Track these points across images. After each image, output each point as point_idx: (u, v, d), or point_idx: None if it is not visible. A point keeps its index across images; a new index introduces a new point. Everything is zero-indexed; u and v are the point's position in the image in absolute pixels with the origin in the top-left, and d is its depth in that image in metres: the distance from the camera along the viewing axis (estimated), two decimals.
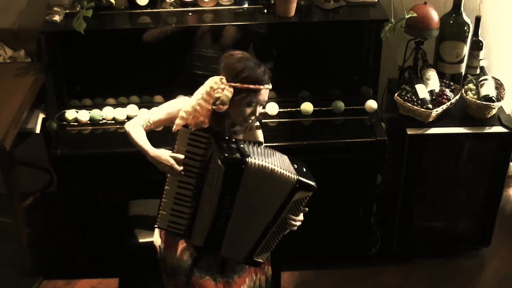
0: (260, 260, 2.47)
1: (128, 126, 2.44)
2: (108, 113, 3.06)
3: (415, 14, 2.90)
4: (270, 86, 2.30)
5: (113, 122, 3.06)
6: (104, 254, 3.22)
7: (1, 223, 3.02)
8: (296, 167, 2.33)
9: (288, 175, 2.28)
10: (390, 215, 3.29)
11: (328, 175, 3.19)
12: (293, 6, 2.99)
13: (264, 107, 2.35)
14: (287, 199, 2.31)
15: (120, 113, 3.06)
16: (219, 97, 2.24)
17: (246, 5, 3.12)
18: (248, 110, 2.30)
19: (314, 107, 3.09)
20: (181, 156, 2.32)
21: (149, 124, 2.44)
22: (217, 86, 2.25)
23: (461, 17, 3.10)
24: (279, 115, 3.09)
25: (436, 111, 2.96)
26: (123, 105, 3.11)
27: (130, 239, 2.74)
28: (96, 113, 3.06)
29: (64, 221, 3.30)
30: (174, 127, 2.33)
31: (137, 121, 2.45)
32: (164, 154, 2.34)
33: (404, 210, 3.18)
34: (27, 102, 2.90)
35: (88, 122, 3.06)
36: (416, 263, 3.31)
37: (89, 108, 3.10)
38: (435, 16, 3.03)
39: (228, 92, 2.25)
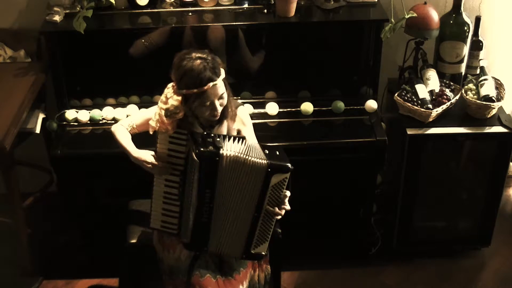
0: (259, 252, 2.47)
1: (113, 127, 2.55)
2: (108, 113, 3.06)
3: (415, 14, 2.90)
4: (216, 81, 2.28)
5: (113, 122, 3.05)
6: (104, 254, 3.21)
7: (1, 223, 3.02)
8: (267, 152, 2.36)
9: (259, 162, 2.31)
10: (390, 215, 3.29)
11: (328, 175, 3.21)
12: (293, 6, 2.99)
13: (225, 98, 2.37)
14: (264, 185, 2.33)
15: (120, 113, 3.06)
16: (168, 108, 2.31)
17: (246, 5, 3.12)
18: (205, 109, 2.33)
19: (314, 107, 3.09)
20: (163, 155, 2.39)
21: (133, 128, 2.55)
22: (169, 96, 2.32)
23: (461, 17, 3.10)
24: (279, 115, 3.09)
25: (436, 111, 2.96)
26: (123, 105, 3.11)
27: (130, 239, 2.74)
28: (96, 113, 3.06)
29: (64, 221, 3.30)
30: (150, 131, 2.43)
31: (122, 123, 2.56)
32: (145, 155, 2.42)
33: (404, 210, 3.18)
34: (27, 102, 2.90)
35: (88, 122, 3.06)
36: (416, 263, 3.31)
37: (89, 108, 3.10)
38: (435, 16, 3.03)
39: (174, 101, 2.31)
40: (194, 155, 2.29)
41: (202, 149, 2.29)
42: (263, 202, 2.36)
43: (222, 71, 2.33)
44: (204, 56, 2.29)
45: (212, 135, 2.35)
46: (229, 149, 2.32)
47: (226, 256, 2.49)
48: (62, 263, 3.28)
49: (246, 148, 2.34)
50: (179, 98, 2.30)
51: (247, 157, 2.31)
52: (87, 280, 3.21)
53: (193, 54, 2.29)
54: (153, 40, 2.99)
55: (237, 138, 2.40)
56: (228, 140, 2.36)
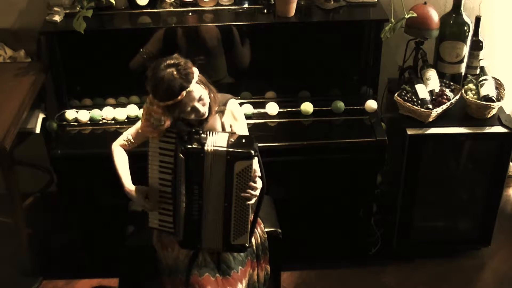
0: (241, 243, 2.46)
1: (113, 146, 2.55)
2: (108, 113, 3.07)
3: (415, 14, 2.89)
4: (188, 88, 2.26)
5: (113, 122, 3.06)
6: (104, 254, 3.22)
7: (1, 223, 3.03)
8: (232, 140, 2.36)
9: (220, 150, 2.32)
10: (390, 215, 3.29)
11: (328, 175, 3.21)
12: (293, 6, 2.99)
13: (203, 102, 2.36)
14: (228, 173, 2.33)
15: (120, 113, 3.07)
16: (153, 122, 2.32)
17: (246, 5, 3.12)
18: (187, 114, 2.34)
19: (314, 107, 3.09)
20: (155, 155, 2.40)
21: (131, 142, 2.55)
22: (151, 108, 2.32)
23: (461, 17, 3.10)
24: (279, 115, 3.09)
25: (436, 111, 2.96)
26: (123, 105, 3.11)
27: (130, 239, 2.74)
28: (96, 113, 3.06)
29: (64, 221, 3.30)
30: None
31: (119, 142, 2.55)
32: (135, 193, 2.44)
33: (404, 210, 3.18)
34: (27, 102, 2.90)
35: (88, 122, 3.06)
36: (416, 263, 3.31)
37: (89, 108, 3.10)
38: (435, 16, 3.03)
39: (156, 114, 2.30)
40: (179, 153, 2.31)
41: (188, 146, 2.31)
42: (231, 191, 2.36)
43: (195, 74, 2.30)
44: (173, 62, 2.26)
45: (200, 132, 2.36)
46: (209, 144, 2.32)
47: (212, 249, 2.49)
48: (62, 263, 3.28)
49: (215, 140, 2.34)
50: (160, 110, 2.30)
51: (215, 148, 2.32)
52: (87, 280, 3.21)
53: (163, 64, 2.26)
54: (153, 41, 2.99)
55: (214, 132, 2.41)
56: (213, 136, 2.37)
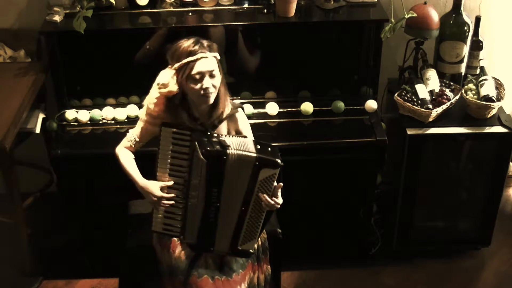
0: (247, 249, 2.46)
1: (117, 150, 2.53)
2: (108, 113, 3.07)
3: (415, 14, 2.90)
4: (206, 55, 2.30)
5: (113, 122, 3.06)
6: (104, 254, 3.21)
7: (1, 223, 3.02)
8: (259, 147, 2.35)
9: (249, 155, 2.30)
10: (390, 215, 3.29)
11: (328, 175, 3.21)
12: (293, 6, 2.99)
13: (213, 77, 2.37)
14: (252, 179, 2.32)
15: (120, 113, 3.07)
16: (163, 83, 2.34)
17: (246, 5, 3.12)
18: (195, 85, 2.32)
19: (314, 107, 3.09)
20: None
21: (136, 141, 2.51)
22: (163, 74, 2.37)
23: (461, 17, 3.10)
24: (279, 115, 3.09)
25: (436, 111, 2.96)
26: (123, 105, 3.11)
27: (130, 239, 2.74)
28: (96, 113, 3.06)
29: (64, 221, 3.30)
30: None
31: (124, 143, 2.53)
32: (152, 186, 2.40)
33: (404, 210, 3.18)
34: (27, 102, 2.90)
35: (88, 122, 3.06)
36: (416, 263, 3.31)
37: (89, 108, 3.10)
38: (435, 16, 3.03)
39: (167, 74, 2.34)
40: (200, 155, 2.28)
41: (208, 148, 2.28)
42: (251, 197, 2.36)
43: (217, 54, 2.34)
44: (198, 38, 2.34)
45: (215, 134, 2.35)
46: (234, 147, 2.31)
47: (218, 252, 2.49)
48: (62, 263, 3.28)
49: (241, 143, 2.34)
50: (172, 72, 2.33)
51: (242, 152, 2.31)
52: (87, 280, 3.21)
53: (187, 38, 2.35)
54: (153, 41, 2.99)
55: (233, 136, 2.41)
56: (232, 139, 2.36)
